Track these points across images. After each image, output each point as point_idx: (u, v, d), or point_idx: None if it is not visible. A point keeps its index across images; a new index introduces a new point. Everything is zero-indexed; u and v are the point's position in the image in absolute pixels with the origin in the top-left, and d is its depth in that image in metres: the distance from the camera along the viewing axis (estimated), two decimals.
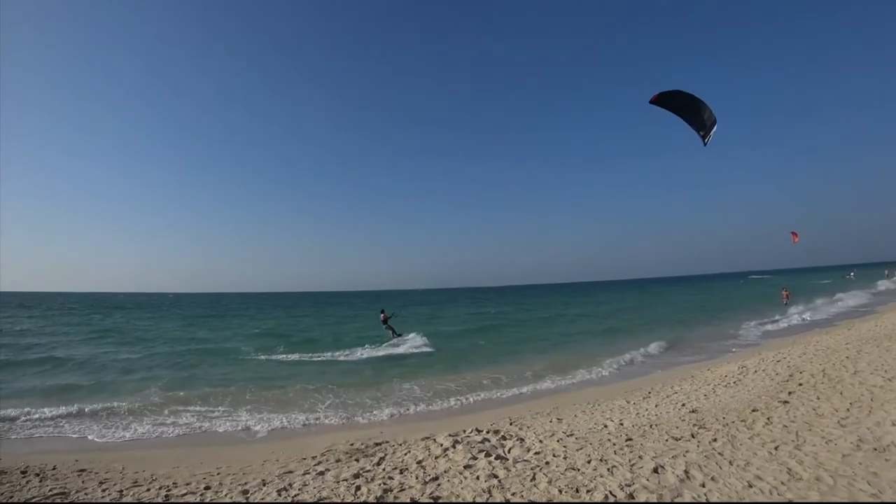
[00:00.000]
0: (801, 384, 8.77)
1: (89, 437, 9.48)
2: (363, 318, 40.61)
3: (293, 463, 6.98)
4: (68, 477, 6.83)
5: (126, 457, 8.10)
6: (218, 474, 6.75)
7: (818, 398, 7.60)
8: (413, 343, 22.34)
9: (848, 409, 6.77)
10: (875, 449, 5.23)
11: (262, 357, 19.87)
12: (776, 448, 5.60)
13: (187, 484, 6.34)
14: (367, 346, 22.30)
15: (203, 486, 6.22)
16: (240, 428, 9.97)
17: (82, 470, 7.14)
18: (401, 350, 20.99)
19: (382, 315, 25.07)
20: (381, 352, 20.87)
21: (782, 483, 4.64)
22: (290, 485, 5.85)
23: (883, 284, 50.59)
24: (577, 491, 4.83)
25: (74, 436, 9.63)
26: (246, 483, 6.14)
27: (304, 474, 6.24)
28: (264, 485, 5.98)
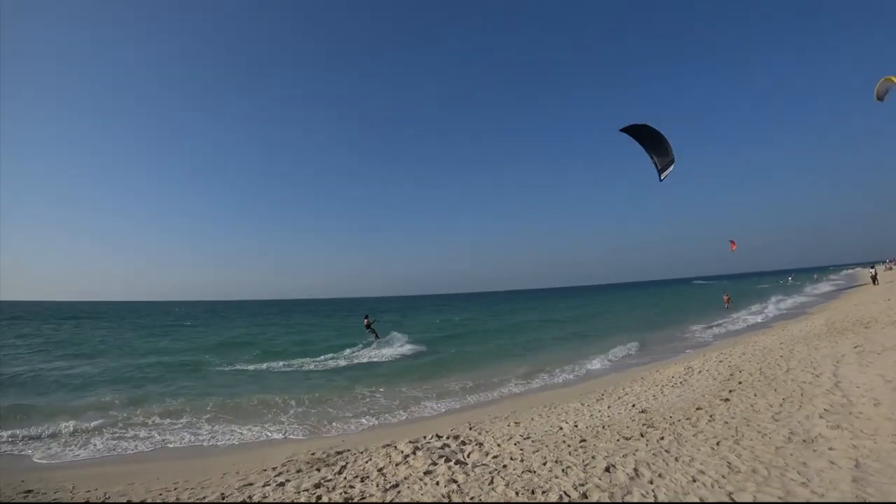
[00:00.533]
0: (740, 383, 9.18)
1: (36, 458, 8.81)
2: (330, 327, 39.99)
3: (253, 475, 6.76)
4: (13, 498, 6.42)
5: (78, 475, 7.64)
6: (175, 489, 6.49)
7: (755, 395, 7.97)
8: (391, 348, 23.21)
9: (781, 405, 7.13)
10: (804, 441, 5.53)
11: (226, 368, 19.14)
12: (718, 443, 5.84)
13: (142, 501, 6.09)
14: (333, 354, 21.99)
15: (159, 501, 5.99)
16: (199, 441, 9.59)
17: (29, 491, 6.73)
18: (364, 360, 20.86)
19: (366, 320, 26.41)
20: (346, 360, 20.63)
21: (723, 476, 4.84)
22: (250, 497, 5.70)
23: (814, 288, 53.65)
24: (533, 492, 4.89)
25: (22, 455, 8.97)
26: (204, 497, 5.94)
27: (265, 486, 6.08)
28: (223, 498, 5.81)
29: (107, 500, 6.28)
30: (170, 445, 9.41)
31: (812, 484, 4.42)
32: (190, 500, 5.91)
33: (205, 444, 9.44)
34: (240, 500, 5.65)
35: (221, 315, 70.03)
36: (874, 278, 41.62)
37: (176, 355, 23.45)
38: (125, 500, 6.16)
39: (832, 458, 4.91)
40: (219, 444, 9.39)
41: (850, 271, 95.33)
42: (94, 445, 9.41)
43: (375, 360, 20.41)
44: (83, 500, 6.36)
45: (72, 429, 10.33)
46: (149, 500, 6.14)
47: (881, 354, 9.43)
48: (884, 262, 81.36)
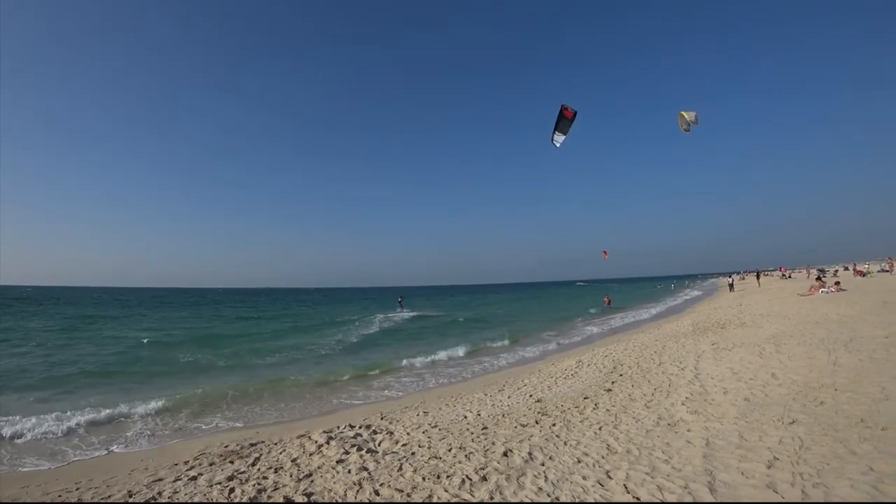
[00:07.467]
0: (621, 375, 9.86)
1: None
2: (262, 318, 37.54)
3: (163, 470, 6.19)
4: None
5: None
6: (77, 490, 5.74)
7: (633, 386, 8.60)
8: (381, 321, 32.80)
9: (653, 394, 7.75)
10: (669, 424, 6.05)
11: (141, 362, 17.21)
12: (600, 428, 6.22)
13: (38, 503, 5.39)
14: (258, 343, 20.83)
15: (58, 502, 5.33)
16: (104, 438, 8.36)
17: None
18: (291, 340, 20.06)
19: (399, 299, 43.48)
20: (274, 357, 19.34)
21: (603, 457, 5.16)
22: (160, 493, 5.24)
23: (686, 293, 58.58)
24: (439, 477, 4.95)
25: None
26: (110, 496, 5.35)
27: (175, 481, 5.61)
28: (131, 496, 5.27)
29: None
30: (71, 444, 8.08)
31: (672, 461, 4.83)
32: (93, 501, 5.31)
33: (109, 440, 8.23)
34: (148, 496, 5.17)
35: (144, 303, 63.32)
36: (731, 286, 46.63)
37: (87, 346, 20.66)
38: None
39: (689, 439, 5.41)
40: (126, 439, 8.25)
41: (713, 279, 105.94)
42: None
43: (296, 356, 19.55)
44: None
45: None
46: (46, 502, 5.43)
47: (731, 351, 10.55)
48: (738, 272, 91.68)
